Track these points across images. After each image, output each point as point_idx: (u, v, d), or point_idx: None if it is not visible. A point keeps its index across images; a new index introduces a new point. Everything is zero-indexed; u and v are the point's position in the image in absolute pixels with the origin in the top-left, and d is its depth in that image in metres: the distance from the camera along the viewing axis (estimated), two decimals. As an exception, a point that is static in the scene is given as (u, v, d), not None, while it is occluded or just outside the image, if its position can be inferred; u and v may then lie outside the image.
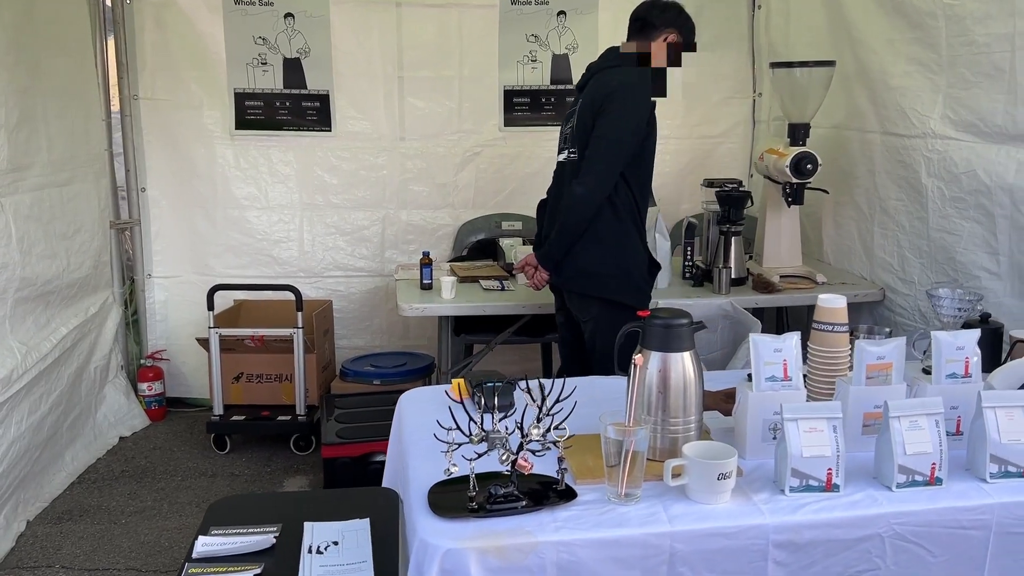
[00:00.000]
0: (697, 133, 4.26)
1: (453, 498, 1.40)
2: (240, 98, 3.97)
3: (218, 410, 3.56)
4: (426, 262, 3.27)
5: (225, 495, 3.22)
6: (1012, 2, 2.61)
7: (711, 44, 4.16)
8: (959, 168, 2.87)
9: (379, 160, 4.09)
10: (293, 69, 3.97)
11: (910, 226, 3.15)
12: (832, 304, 1.71)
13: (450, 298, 3.14)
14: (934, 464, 1.48)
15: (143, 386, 3.99)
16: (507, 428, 1.39)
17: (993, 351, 2.09)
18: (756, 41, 4.20)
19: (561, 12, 4.03)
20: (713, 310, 3.15)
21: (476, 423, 1.37)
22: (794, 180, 3.21)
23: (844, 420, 1.64)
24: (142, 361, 4.06)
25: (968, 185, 2.83)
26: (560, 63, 4.11)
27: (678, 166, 4.26)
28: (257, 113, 4.00)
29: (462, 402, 1.49)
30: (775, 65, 3.39)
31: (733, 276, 3.37)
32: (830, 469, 1.46)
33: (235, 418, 3.55)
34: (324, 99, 4.01)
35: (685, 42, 2.65)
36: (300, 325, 3.46)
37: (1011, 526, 1.45)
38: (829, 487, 1.46)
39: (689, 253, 3.45)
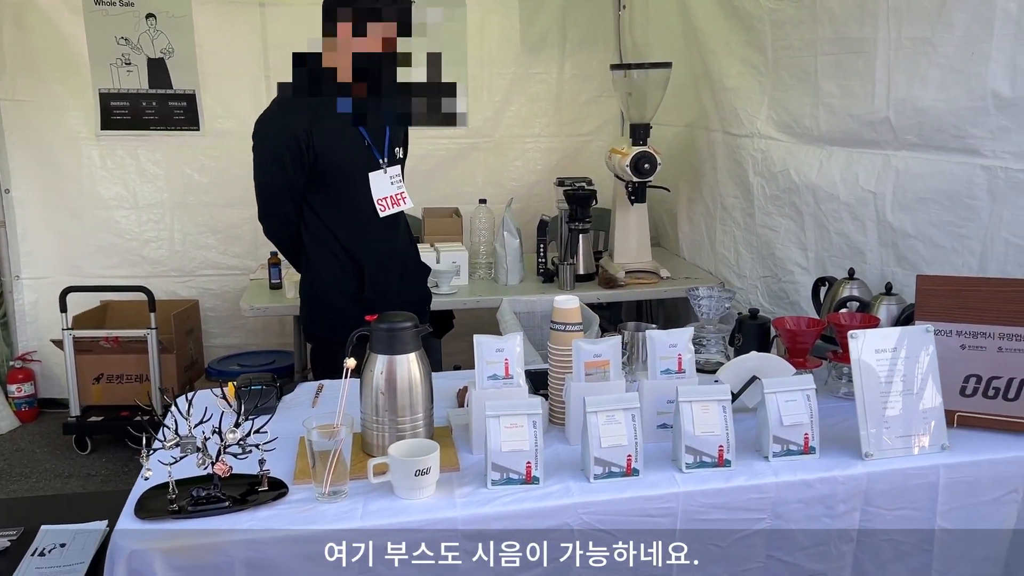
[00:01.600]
0: (566, 132, 4.35)
1: (159, 501, 1.46)
2: (105, 98, 3.97)
3: (75, 411, 3.57)
4: (274, 261, 3.31)
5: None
6: (815, 9, 2.72)
7: (578, 44, 4.28)
8: (776, 167, 2.99)
9: (249, 159, 4.08)
10: (158, 69, 3.97)
11: (743, 222, 3.27)
12: (565, 305, 1.80)
13: (293, 297, 3.18)
14: (630, 456, 1.56)
15: (12, 388, 3.99)
16: (204, 433, 1.45)
17: (761, 345, 2.20)
18: (622, 41, 4.29)
19: (428, 12, 4.07)
20: (558, 306, 3.23)
21: (170, 428, 1.43)
22: (635, 179, 3.31)
23: (568, 415, 1.74)
24: (11, 363, 4.04)
25: (783, 184, 2.95)
26: (429, 63, 4.16)
27: (549, 164, 4.34)
28: (123, 113, 4.00)
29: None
30: (614, 67, 3.48)
31: (582, 272, 3.47)
32: (529, 463, 1.54)
33: (93, 419, 3.57)
34: (191, 99, 4.02)
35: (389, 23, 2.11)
36: (154, 325, 3.48)
37: (696, 513, 1.54)
38: (529, 480, 1.54)
39: (542, 250, 3.54)
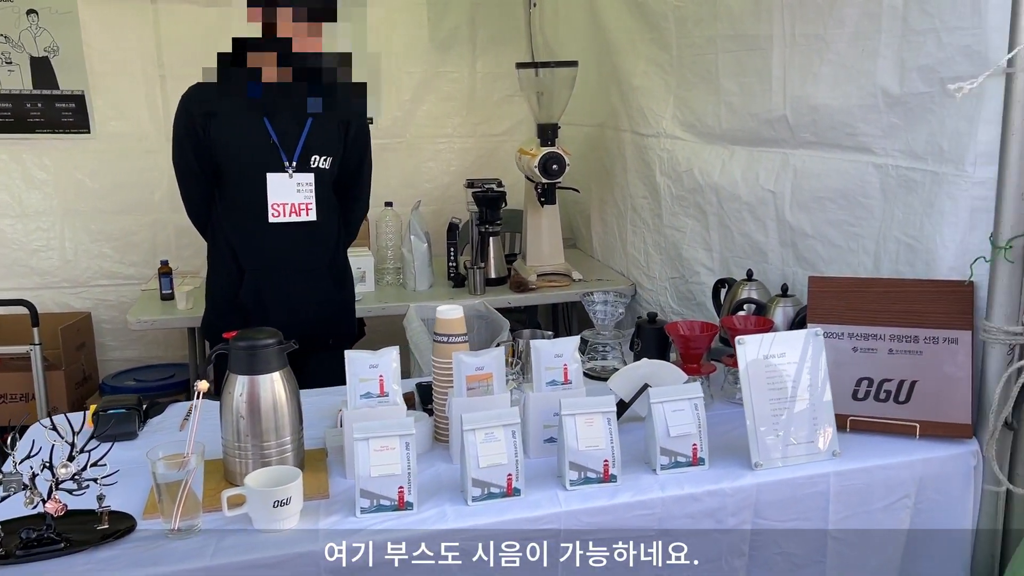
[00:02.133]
0: (480, 132, 4.26)
1: (-15, 544, 1.31)
2: (-16, 99, 3.72)
3: (-49, 435, 3.32)
4: (164, 271, 3.14)
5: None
6: (715, 5, 2.68)
7: (489, 42, 4.19)
8: (682, 167, 2.94)
9: (145, 162, 3.90)
10: (42, 68, 3.74)
11: (652, 223, 3.22)
12: (448, 316, 1.71)
13: (185, 308, 3.02)
14: (510, 475, 1.48)
15: None
16: (32, 468, 1.31)
17: (661, 350, 2.14)
18: (533, 40, 4.22)
19: (333, 10, 3.94)
20: (468, 311, 3.12)
21: (-9, 465, 1.29)
22: (544, 180, 3.23)
23: (451, 433, 1.65)
24: None
25: (688, 184, 2.91)
26: (333, 62, 4.02)
27: (463, 165, 4.25)
28: (5, 115, 3.76)
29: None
30: (520, 66, 3.40)
31: (494, 276, 3.38)
32: (401, 487, 1.44)
33: (-28, 443, 3.33)
34: (80, 100, 3.80)
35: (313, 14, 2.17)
36: (37, 341, 3.26)
37: (580, 532, 1.47)
38: (402, 506, 1.44)
39: (452, 254, 3.44)
